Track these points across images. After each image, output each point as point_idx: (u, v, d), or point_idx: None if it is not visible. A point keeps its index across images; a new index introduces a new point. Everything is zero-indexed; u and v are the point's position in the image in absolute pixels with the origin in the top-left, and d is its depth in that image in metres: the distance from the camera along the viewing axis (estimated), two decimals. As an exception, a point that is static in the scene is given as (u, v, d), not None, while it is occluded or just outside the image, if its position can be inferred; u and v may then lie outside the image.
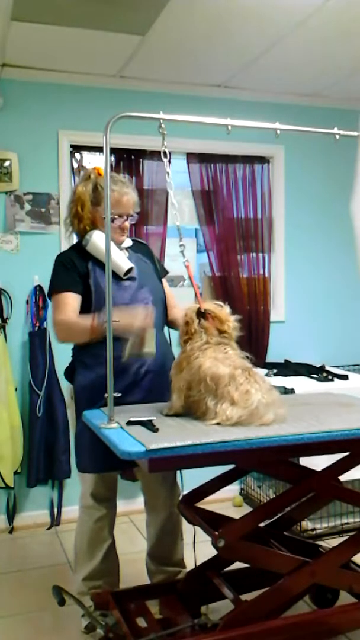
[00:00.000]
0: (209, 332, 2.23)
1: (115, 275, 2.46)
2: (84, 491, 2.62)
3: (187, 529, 2.50)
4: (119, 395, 2.13)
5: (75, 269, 2.50)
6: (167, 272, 2.82)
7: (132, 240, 2.70)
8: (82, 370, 2.52)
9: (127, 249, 2.64)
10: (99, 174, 2.53)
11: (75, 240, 2.69)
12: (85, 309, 2.46)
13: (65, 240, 3.79)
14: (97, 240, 2.47)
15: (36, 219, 3.74)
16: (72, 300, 2.46)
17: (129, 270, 2.51)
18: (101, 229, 2.49)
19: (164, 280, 2.74)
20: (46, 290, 3.68)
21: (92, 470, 2.52)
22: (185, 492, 2.56)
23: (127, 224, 2.55)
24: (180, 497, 2.62)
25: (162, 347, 2.53)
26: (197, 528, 2.34)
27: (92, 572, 2.59)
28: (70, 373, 2.62)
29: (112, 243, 2.45)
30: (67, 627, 2.65)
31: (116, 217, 2.49)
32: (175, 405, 2.21)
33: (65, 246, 3.79)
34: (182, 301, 2.84)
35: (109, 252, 2.10)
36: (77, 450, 2.56)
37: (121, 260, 2.50)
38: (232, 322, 2.26)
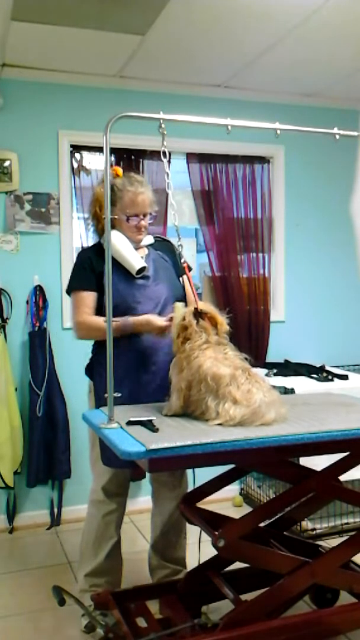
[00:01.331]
0: (208, 332, 2.23)
1: (129, 274, 2.54)
2: (96, 486, 2.64)
3: (193, 528, 2.49)
4: (119, 395, 2.14)
5: (92, 268, 2.55)
6: (190, 269, 2.83)
7: (155, 237, 2.73)
8: (100, 370, 2.55)
9: (147, 246, 2.68)
10: (117, 175, 2.59)
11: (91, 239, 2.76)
12: (100, 307, 2.52)
13: (66, 239, 3.82)
14: (114, 240, 2.53)
15: (36, 219, 3.74)
16: (88, 299, 2.54)
17: (142, 269, 2.54)
18: (119, 229, 2.57)
19: (186, 276, 2.75)
20: (46, 290, 3.75)
21: (117, 465, 2.49)
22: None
23: (143, 222, 2.58)
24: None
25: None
26: (202, 528, 2.34)
27: (95, 569, 2.60)
28: (90, 370, 2.68)
29: (127, 242, 2.55)
30: (67, 627, 2.65)
31: (132, 216, 2.55)
32: (174, 405, 2.21)
33: (65, 246, 3.82)
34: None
35: (109, 251, 2.11)
36: (102, 446, 2.53)
37: (134, 259, 2.54)
38: (224, 325, 2.29)
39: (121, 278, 2.52)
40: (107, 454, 2.51)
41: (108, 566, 2.62)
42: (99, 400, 2.47)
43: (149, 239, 2.67)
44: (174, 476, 2.72)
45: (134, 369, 2.50)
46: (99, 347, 2.62)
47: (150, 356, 2.52)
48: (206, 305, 2.33)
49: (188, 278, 2.48)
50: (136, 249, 2.60)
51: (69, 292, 2.63)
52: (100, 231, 2.61)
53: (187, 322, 2.25)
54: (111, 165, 2.62)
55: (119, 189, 2.54)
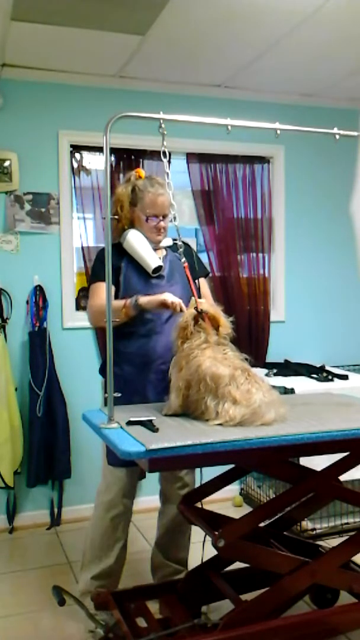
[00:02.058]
0: (208, 332, 2.23)
1: (144, 273, 2.58)
2: (107, 486, 2.61)
3: (195, 528, 2.48)
4: (119, 395, 2.14)
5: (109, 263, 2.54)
6: (208, 273, 2.91)
7: (173, 240, 2.74)
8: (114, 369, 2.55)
9: (165, 248, 2.72)
10: (139, 177, 2.65)
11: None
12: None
13: (66, 239, 3.82)
14: (132, 238, 2.59)
15: (36, 219, 3.74)
16: (104, 290, 2.51)
17: (158, 269, 2.58)
18: (138, 229, 2.63)
19: (203, 280, 2.81)
20: (46, 290, 3.76)
21: (123, 464, 2.49)
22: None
23: (162, 224, 2.63)
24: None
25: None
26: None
27: (103, 571, 2.59)
28: (103, 369, 2.69)
29: (146, 241, 2.61)
30: (67, 627, 2.65)
31: (151, 217, 2.60)
32: (173, 404, 2.22)
33: (65, 246, 3.82)
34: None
35: (109, 250, 2.12)
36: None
37: (150, 258, 2.58)
38: (227, 327, 2.30)
39: (138, 276, 2.58)
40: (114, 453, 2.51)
41: (115, 568, 2.62)
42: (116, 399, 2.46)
43: (167, 241, 2.71)
44: (185, 476, 2.73)
45: (145, 369, 2.53)
46: (106, 348, 2.61)
47: (161, 356, 2.53)
48: (212, 307, 2.33)
49: (188, 277, 2.48)
50: (155, 249, 2.64)
51: (89, 285, 2.69)
52: (120, 230, 2.66)
53: (185, 322, 2.25)
54: (136, 168, 2.74)
55: (141, 190, 2.60)
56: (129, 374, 2.56)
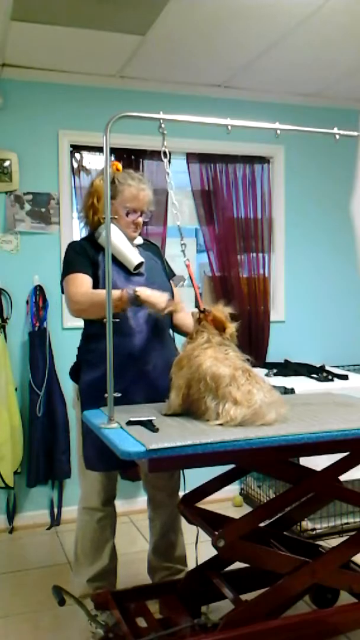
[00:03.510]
0: (210, 331, 2.23)
1: (124, 270, 2.50)
2: (87, 492, 2.61)
3: (191, 529, 2.49)
4: (119, 395, 2.13)
5: (87, 255, 2.50)
6: (174, 275, 2.81)
7: (143, 239, 2.70)
8: (88, 369, 2.51)
9: (138, 246, 2.63)
10: (117, 169, 2.57)
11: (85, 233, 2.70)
12: None
13: (65, 240, 3.82)
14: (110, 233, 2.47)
15: (36, 219, 3.74)
16: (86, 280, 2.45)
17: (139, 265, 2.51)
18: (115, 223, 2.49)
19: (171, 282, 2.74)
20: (46, 290, 3.75)
21: (100, 469, 2.50)
22: (185, 492, 2.56)
23: (140, 220, 2.56)
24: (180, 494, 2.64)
25: (167, 346, 2.54)
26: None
27: (97, 573, 2.59)
28: (75, 372, 2.61)
29: (124, 236, 2.51)
30: (67, 627, 2.65)
31: (131, 211, 2.52)
32: (173, 403, 2.21)
33: (65, 246, 3.80)
34: (182, 301, 2.84)
35: (109, 251, 2.10)
36: (85, 449, 2.53)
37: (132, 254, 2.51)
38: (232, 329, 2.27)
39: (117, 271, 2.48)
40: (91, 458, 2.50)
41: (109, 568, 2.62)
42: (91, 402, 2.38)
43: (139, 240, 2.64)
44: (171, 481, 2.71)
45: (127, 368, 2.45)
46: (87, 346, 2.55)
47: (143, 356, 2.48)
48: (218, 310, 2.31)
49: (190, 275, 2.46)
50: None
51: (63, 277, 2.50)
52: (95, 224, 2.54)
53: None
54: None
55: (120, 182, 2.50)
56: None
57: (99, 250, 2.50)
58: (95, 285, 2.46)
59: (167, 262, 2.79)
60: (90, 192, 2.59)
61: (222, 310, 2.30)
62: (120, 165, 2.59)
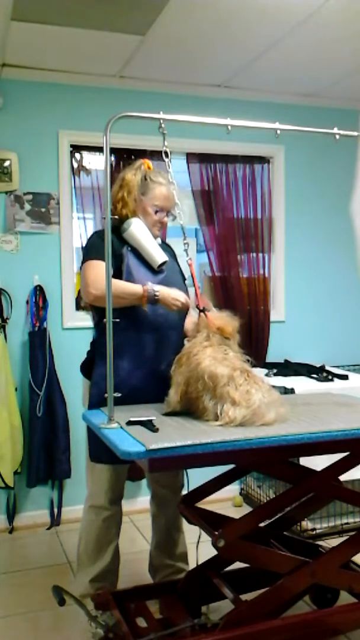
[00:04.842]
0: (210, 330, 2.24)
1: (147, 266, 2.50)
2: (95, 490, 2.59)
3: (192, 529, 2.49)
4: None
5: (112, 245, 2.46)
6: (185, 279, 2.81)
7: (161, 241, 2.70)
8: (102, 363, 2.41)
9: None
10: (149, 167, 2.57)
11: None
12: None
13: (66, 240, 3.82)
14: (137, 229, 2.49)
15: (36, 219, 3.74)
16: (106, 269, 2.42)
17: (163, 264, 2.51)
18: (141, 218, 2.52)
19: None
20: (46, 290, 3.75)
21: (107, 460, 2.45)
22: (185, 492, 2.56)
23: (166, 219, 2.58)
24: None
25: (179, 347, 2.53)
26: (201, 528, 2.34)
27: (99, 573, 2.58)
28: (87, 367, 2.58)
29: (149, 233, 2.51)
30: (67, 627, 2.65)
31: (159, 210, 2.53)
32: (172, 400, 2.22)
33: (65, 246, 3.82)
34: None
35: (110, 251, 2.11)
36: (90, 442, 2.49)
37: (157, 252, 2.51)
38: (234, 335, 2.28)
39: (144, 268, 2.48)
40: (98, 449, 2.44)
41: (111, 568, 2.61)
42: (101, 397, 2.33)
43: (158, 240, 2.64)
44: (175, 478, 2.72)
45: (141, 365, 2.44)
46: (102, 338, 2.48)
47: (158, 354, 2.46)
48: (220, 318, 2.31)
49: (192, 274, 2.45)
50: None
51: (83, 263, 2.48)
52: (123, 216, 2.53)
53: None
54: (142, 158, 2.64)
55: (152, 181, 2.52)
56: (124, 370, 2.41)
57: (123, 243, 2.50)
58: (119, 278, 2.43)
59: (179, 265, 2.80)
60: (121, 185, 2.57)
61: (223, 319, 2.30)
62: (151, 164, 2.60)
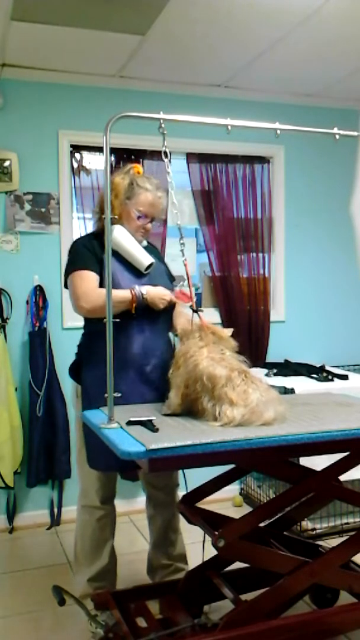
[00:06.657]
0: (204, 330, 2.25)
1: (130, 270, 2.50)
2: (86, 489, 2.60)
3: (193, 528, 2.48)
4: (119, 395, 2.13)
5: (94, 253, 2.48)
6: (174, 279, 2.82)
7: (148, 243, 2.71)
8: (91, 367, 2.49)
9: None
10: (138, 172, 2.57)
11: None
12: None
13: (65, 239, 3.82)
14: (119, 234, 2.49)
15: (36, 219, 3.74)
16: (93, 278, 2.45)
17: (150, 266, 2.52)
18: (124, 225, 2.52)
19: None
20: (46, 290, 3.75)
21: (104, 468, 2.49)
22: (185, 492, 2.56)
23: (149, 226, 2.58)
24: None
25: (166, 347, 2.54)
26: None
27: (97, 572, 2.59)
28: (75, 370, 2.60)
29: (132, 238, 2.52)
30: (67, 627, 2.65)
31: (142, 216, 2.53)
32: (173, 402, 2.22)
33: (65, 246, 3.80)
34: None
35: (110, 252, 2.11)
36: (88, 448, 2.51)
37: (142, 255, 2.52)
38: (230, 341, 2.30)
39: (128, 272, 2.49)
40: (95, 457, 2.48)
41: (109, 568, 2.62)
42: (90, 402, 2.40)
43: (143, 243, 2.64)
44: (169, 479, 2.72)
45: (128, 369, 2.44)
46: (88, 344, 2.55)
47: (144, 357, 2.47)
48: (210, 326, 2.33)
49: (186, 274, 2.46)
50: None
51: (68, 272, 2.48)
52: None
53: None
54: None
55: (139, 186, 2.51)
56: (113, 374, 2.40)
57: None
58: (102, 284, 2.43)
59: (167, 266, 2.80)
60: (111, 188, 2.54)
61: (213, 327, 2.33)
62: (141, 168, 2.60)
